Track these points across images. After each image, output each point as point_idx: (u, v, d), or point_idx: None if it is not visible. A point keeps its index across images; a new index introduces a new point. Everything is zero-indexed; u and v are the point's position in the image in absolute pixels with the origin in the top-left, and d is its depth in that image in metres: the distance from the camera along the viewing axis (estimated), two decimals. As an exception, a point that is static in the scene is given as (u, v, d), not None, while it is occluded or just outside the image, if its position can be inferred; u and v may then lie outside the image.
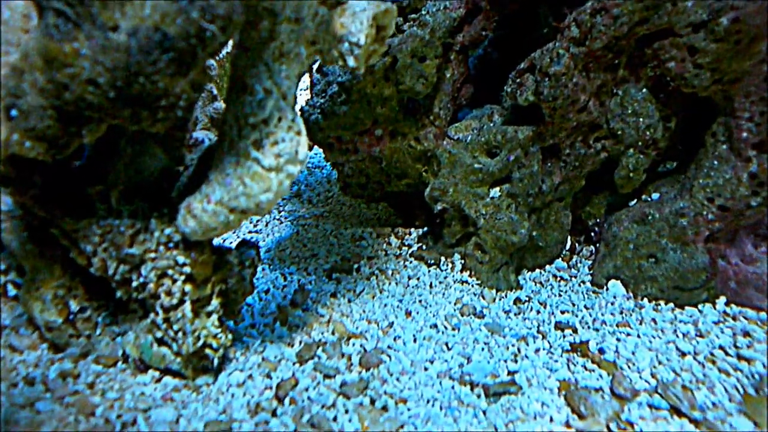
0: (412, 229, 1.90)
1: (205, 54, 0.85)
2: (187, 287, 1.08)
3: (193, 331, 1.08)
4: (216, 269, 1.11)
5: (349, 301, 1.49)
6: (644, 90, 1.55)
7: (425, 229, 1.87)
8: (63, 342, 1.18)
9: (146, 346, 1.12)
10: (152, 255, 1.07)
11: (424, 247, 1.77)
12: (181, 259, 1.07)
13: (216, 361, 1.12)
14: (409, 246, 1.80)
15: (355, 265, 1.68)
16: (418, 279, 1.61)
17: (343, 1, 1.00)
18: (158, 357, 1.11)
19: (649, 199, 1.65)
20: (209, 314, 1.11)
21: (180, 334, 1.08)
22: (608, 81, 1.55)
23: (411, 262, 1.70)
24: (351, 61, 1.03)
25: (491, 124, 1.75)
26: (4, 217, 1.20)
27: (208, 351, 1.10)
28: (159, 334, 1.11)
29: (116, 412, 1.02)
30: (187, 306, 1.08)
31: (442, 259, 1.69)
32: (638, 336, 1.33)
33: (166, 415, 1.01)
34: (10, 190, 1.14)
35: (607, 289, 1.58)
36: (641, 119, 1.56)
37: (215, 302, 1.12)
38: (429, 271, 1.65)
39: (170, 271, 1.08)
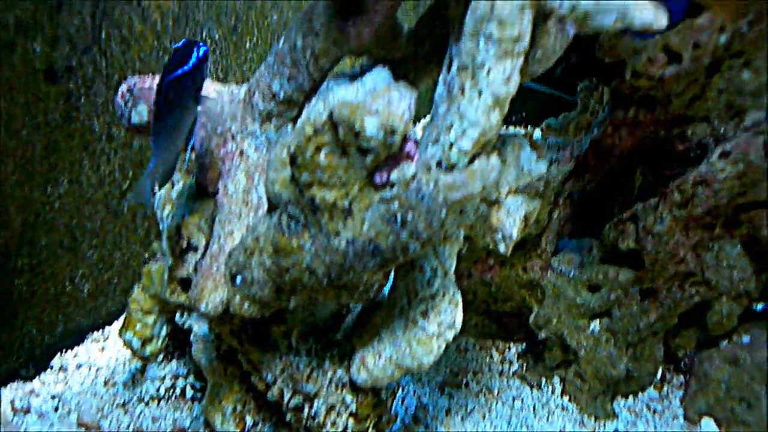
0: (511, 344, 1.98)
1: (402, 259, 0.99)
2: (351, 421, 1.20)
3: (353, 459, 1.20)
4: (374, 407, 1.23)
5: (462, 419, 1.57)
6: (738, 246, 1.61)
7: (524, 345, 1.94)
8: (238, 451, 1.32)
9: (310, 465, 1.24)
10: (324, 392, 1.20)
11: (524, 366, 1.85)
12: (348, 398, 1.19)
13: (368, 484, 1.23)
14: (510, 362, 1.88)
15: (464, 380, 1.76)
16: (522, 401, 1.67)
17: (500, 201, 1.13)
18: (320, 476, 1.23)
19: (740, 341, 1.68)
20: (365, 443, 1.23)
21: (341, 460, 1.20)
22: (705, 238, 1.61)
23: (514, 381, 1.78)
24: (502, 249, 1.15)
25: (591, 258, 1.85)
26: (199, 340, 1.37)
27: (362, 475, 1.21)
28: (322, 457, 1.23)
29: None
30: (349, 437, 1.20)
31: (543, 380, 1.76)
32: (736, 483, 1.36)
33: None
34: (209, 322, 1.31)
35: (701, 426, 1.60)
36: (735, 272, 1.60)
37: (371, 433, 1.24)
38: (531, 393, 1.72)
39: (338, 407, 1.20)
